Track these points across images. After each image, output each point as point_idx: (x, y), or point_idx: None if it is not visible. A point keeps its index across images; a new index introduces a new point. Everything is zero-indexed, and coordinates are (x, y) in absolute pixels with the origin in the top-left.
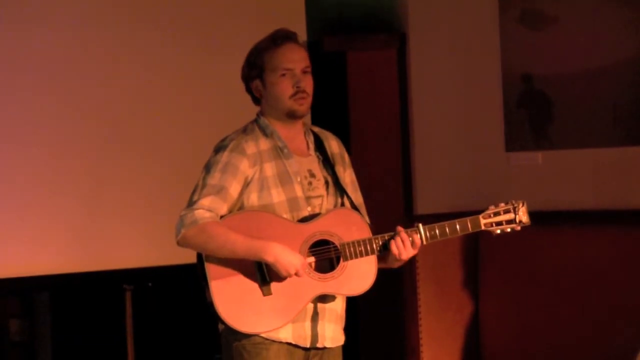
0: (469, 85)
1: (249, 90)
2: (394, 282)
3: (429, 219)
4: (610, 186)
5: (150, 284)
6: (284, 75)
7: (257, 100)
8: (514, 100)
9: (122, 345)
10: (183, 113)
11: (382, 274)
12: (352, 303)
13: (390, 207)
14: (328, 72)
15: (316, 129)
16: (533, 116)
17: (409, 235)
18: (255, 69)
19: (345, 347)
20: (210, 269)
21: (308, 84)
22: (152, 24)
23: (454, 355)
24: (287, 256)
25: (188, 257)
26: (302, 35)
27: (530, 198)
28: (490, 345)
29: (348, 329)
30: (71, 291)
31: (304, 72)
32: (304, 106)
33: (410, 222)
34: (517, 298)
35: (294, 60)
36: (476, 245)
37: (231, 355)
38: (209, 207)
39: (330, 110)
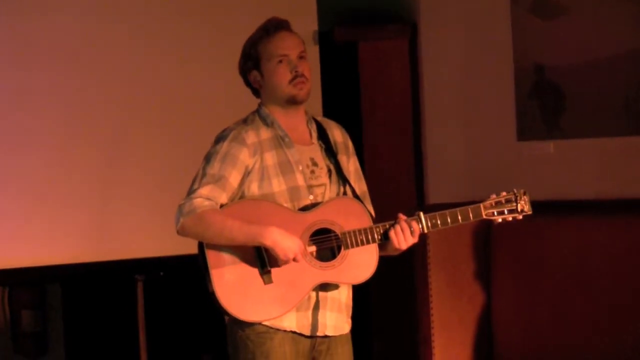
0: (480, 75)
1: (247, 82)
2: (406, 271)
3: (441, 209)
4: (623, 175)
5: (161, 274)
6: (280, 62)
7: (256, 92)
8: (525, 90)
9: (134, 335)
10: (197, 104)
11: (393, 263)
12: (364, 292)
13: (402, 197)
14: (339, 62)
15: (319, 119)
16: (545, 106)
17: (409, 224)
18: (251, 60)
19: (357, 337)
20: (211, 257)
21: (305, 68)
22: (160, 14)
23: (466, 345)
24: (286, 240)
25: None
26: (313, 26)
27: (542, 188)
28: (502, 334)
29: (360, 318)
30: (83, 281)
31: (300, 57)
32: (303, 90)
33: (422, 211)
34: (529, 288)
35: (289, 47)
36: (488, 235)
37: (236, 346)
38: (207, 196)
39: (341, 101)
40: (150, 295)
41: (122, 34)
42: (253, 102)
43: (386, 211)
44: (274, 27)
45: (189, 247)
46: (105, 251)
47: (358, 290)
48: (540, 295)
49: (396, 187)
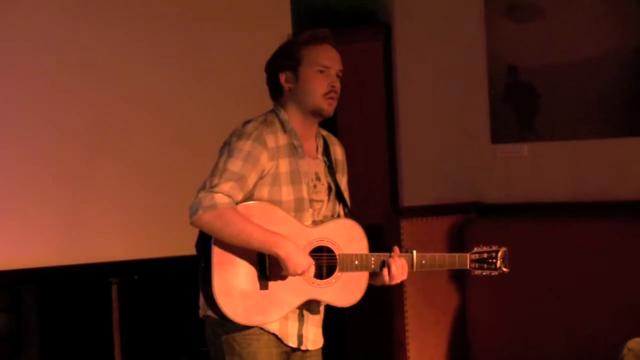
0: (454, 77)
1: (272, 81)
2: None
3: (415, 211)
4: (596, 178)
5: (136, 277)
6: (321, 72)
7: (277, 94)
8: (499, 92)
9: (109, 337)
10: (171, 108)
11: None
12: None
13: (376, 199)
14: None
15: (324, 133)
16: (519, 108)
17: (402, 263)
18: (292, 60)
19: (332, 341)
20: (216, 254)
21: (339, 88)
22: (136, 19)
23: (441, 348)
24: (299, 256)
25: (173, 250)
26: (287, 28)
27: (516, 190)
28: (476, 336)
29: (334, 322)
30: (58, 284)
31: (338, 75)
32: (332, 107)
33: (396, 214)
34: (504, 290)
35: (333, 60)
36: (462, 237)
37: (220, 348)
38: (228, 193)
39: None
40: (125, 298)
41: (101, 35)
42: (233, 107)
43: (361, 214)
44: (323, 36)
45: (164, 251)
46: (80, 254)
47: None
48: (515, 297)
49: (371, 189)
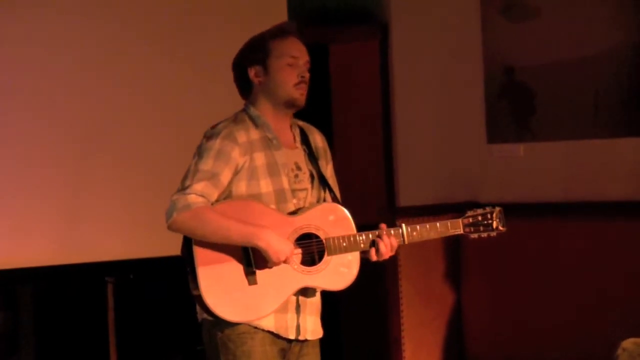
0: (451, 77)
1: (241, 77)
2: (376, 272)
3: (412, 211)
4: (592, 178)
5: (131, 276)
6: (290, 64)
7: (245, 92)
8: (495, 92)
9: (104, 336)
10: (166, 107)
11: (364, 263)
12: (334, 294)
13: (373, 199)
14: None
15: (301, 123)
16: (515, 108)
17: (391, 238)
18: (260, 54)
19: (328, 338)
20: (199, 255)
21: (308, 77)
22: (133, 16)
23: (436, 345)
24: (279, 243)
25: (169, 249)
26: None
27: (512, 190)
28: (472, 334)
29: (331, 319)
30: (53, 283)
31: (306, 66)
32: (303, 96)
33: (392, 214)
34: (499, 288)
35: (301, 52)
36: (458, 237)
37: (216, 347)
38: (201, 192)
39: (312, 103)
40: (121, 297)
41: (98, 33)
42: (229, 105)
43: (357, 213)
44: (290, 29)
45: (159, 250)
46: (75, 253)
47: (324, 293)
48: (510, 296)
49: (367, 189)
